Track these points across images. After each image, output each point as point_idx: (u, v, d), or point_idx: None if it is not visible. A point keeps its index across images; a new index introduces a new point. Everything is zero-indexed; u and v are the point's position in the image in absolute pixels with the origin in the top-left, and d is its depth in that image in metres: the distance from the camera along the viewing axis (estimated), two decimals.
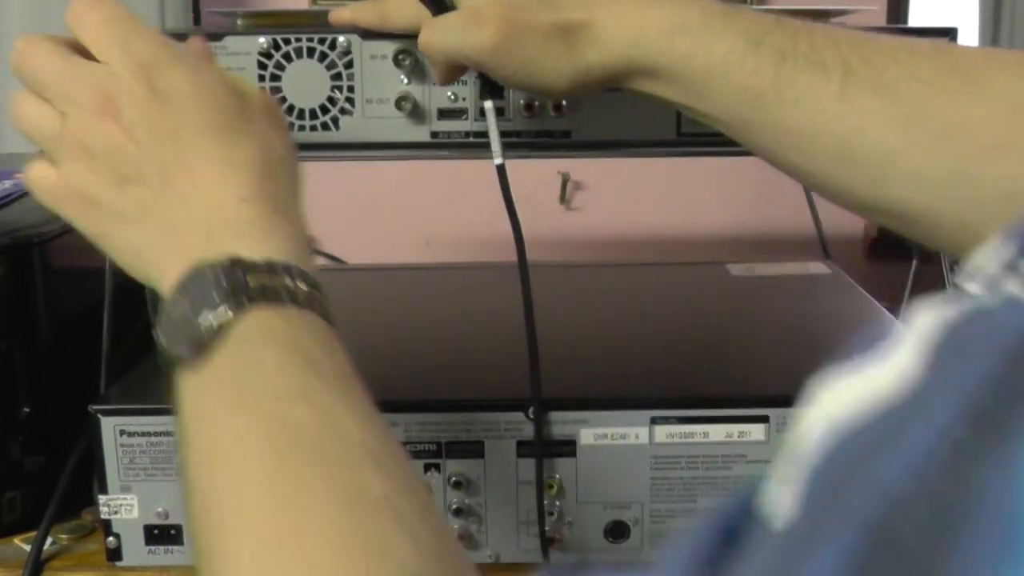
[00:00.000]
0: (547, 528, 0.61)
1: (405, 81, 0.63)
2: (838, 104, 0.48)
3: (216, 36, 0.62)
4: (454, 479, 0.60)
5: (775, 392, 0.60)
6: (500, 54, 0.52)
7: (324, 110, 0.63)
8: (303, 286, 0.42)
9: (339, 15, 0.60)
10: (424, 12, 0.54)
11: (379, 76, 0.63)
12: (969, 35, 1.36)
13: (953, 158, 0.47)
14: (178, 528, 0.61)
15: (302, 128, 0.64)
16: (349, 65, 0.63)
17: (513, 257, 0.59)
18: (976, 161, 0.46)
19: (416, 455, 0.60)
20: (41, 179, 0.46)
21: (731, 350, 0.74)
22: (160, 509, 0.60)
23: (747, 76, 0.49)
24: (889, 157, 0.48)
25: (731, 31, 0.50)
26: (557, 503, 0.60)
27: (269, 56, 0.63)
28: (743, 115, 0.51)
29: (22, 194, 0.75)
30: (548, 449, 0.60)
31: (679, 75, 0.51)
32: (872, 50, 0.49)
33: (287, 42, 0.62)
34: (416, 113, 0.63)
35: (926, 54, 0.49)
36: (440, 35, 0.54)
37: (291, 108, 0.63)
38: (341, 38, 0.62)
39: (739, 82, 0.50)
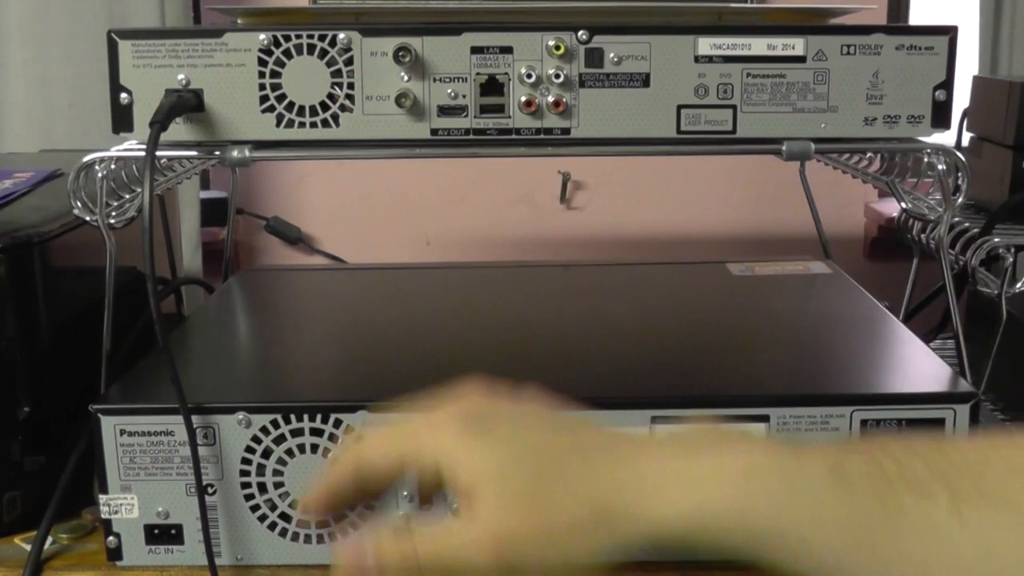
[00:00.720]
0: None
1: (405, 78, 0.63)
2: (959, 527, 0.41)
3: (216, 33, 0.62)
4: None
5: (775, 392, 0.60)
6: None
7: (324, 107, 0.63)
8: None
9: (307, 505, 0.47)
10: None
11: (379, 73, 0.63)
12: (969, 35, 1.36)
13: None
14: (178, 528, 0.61)
15: (302, 125, 0.64)
16: (349, 62, 0.63)
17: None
18: None
19: None
20: None
21: (731, 350, 0.73)
22: (160, 509, 0.60)
23: (847, 516, 0.42)
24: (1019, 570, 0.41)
25: (807, 464, 0.42)
26: None
27: (269, 53, 0.63)
28: (855, 559, 0.42)
29: (22, 194, 0.75)
30: None
31: (757, 531, 0.42)
32: (958, 454, 0.43)
33: (287, 39, 0.62)
34: (416, 110, 0.63)
35: (1011, 443, 0.43)
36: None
37: (291, 105, 0.63)
38: (341, 35, 0.62)
39: (842, 525, 0.42)
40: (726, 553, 0.43)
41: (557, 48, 0.62)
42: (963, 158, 0.65)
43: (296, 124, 0.64)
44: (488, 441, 0.43)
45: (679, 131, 0.64)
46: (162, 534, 0.61)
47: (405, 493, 0.60)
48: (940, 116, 0.65)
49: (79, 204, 0.64)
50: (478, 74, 0.63)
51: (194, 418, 0.58)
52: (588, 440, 0.44)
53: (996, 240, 0.85)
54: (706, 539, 0.43)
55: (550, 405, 0.47)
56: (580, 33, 0.63)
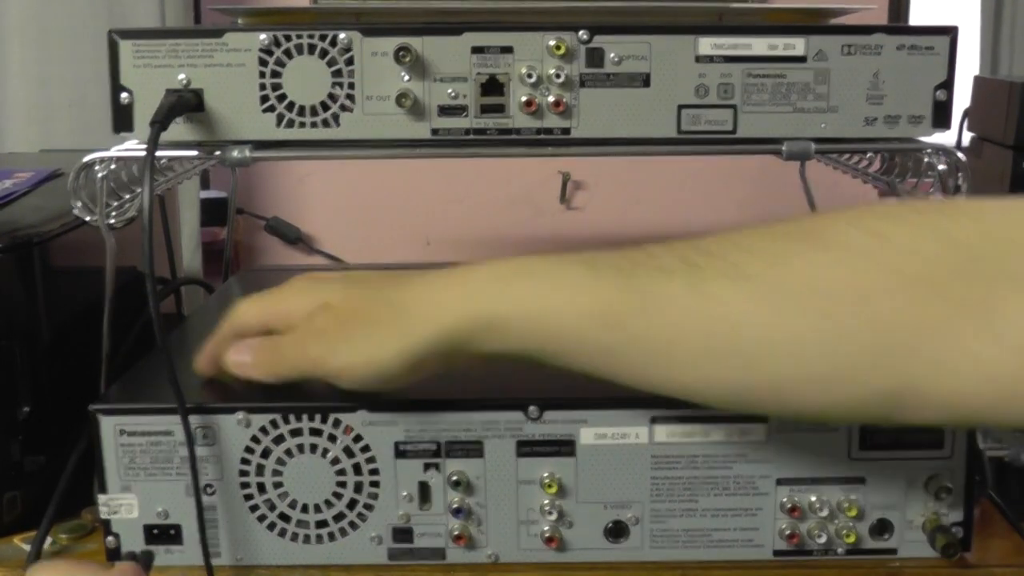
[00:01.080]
0: (547, 528, 0.61)
1: (405, 78, 0.63)
2: (693, 300, 0.47)
3: (217, 33, 0.62)
4: (454, 479, 0.59)
5: None
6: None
7: (324, 107, 0.63)
8: None
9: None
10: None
11: (379, 73, 0.63)
12: (969, 35, 1.36)
13: (818, 315, 0.46)
14: (177, 528, 0.61)
15: (302, 125, 0.64)
16: (349, 62, 0.63)
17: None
18: (841, 313, 0.46)
19: (415, 455, 0.59)
20: None
21: None
22: (160, 509, 0.60)
23: (594, 299, 0.49)
24: (757, 334, 0.47)
25: (565, 262, 0.50)
26: (557, 503, 0.60)
27: (270, 53, 0.63)
28: (600, 339, 0.49)
29: (22, 193, 0.75)
30: (547, 448, 0.60)
31: (522, 318, 0.50)
32: (709, 242, 0.49)
33: (287, 39, 0.62)
34: (416, 110, 0.63)
35: (763, 231, 0.49)
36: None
37: (291, 105, 0.63)
38: (342, 34, 0.62)
39: (588, 308, 0.49)
40: (502, 345, 0.51)
41: (557, 48, 0.62)
42: (963, 158, 0.64)
43: (296, 124, 0.64)
44: (317, 284, 0.58)
45: (679, 131, 0.64)
46: (161, 534, 0.61)
47: (405, 493, 0.60)
48: (940, 116, 0.65)
49: (79, 204, 0.64)
50: (478, 74, 0.63)
51: (193, 418, 0.58)
52: (393, 280, 0.56)
53: None
54: (484, 333, 0.51)
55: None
56: (580, 33, 0.63)
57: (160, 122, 0.59)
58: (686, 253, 0.49)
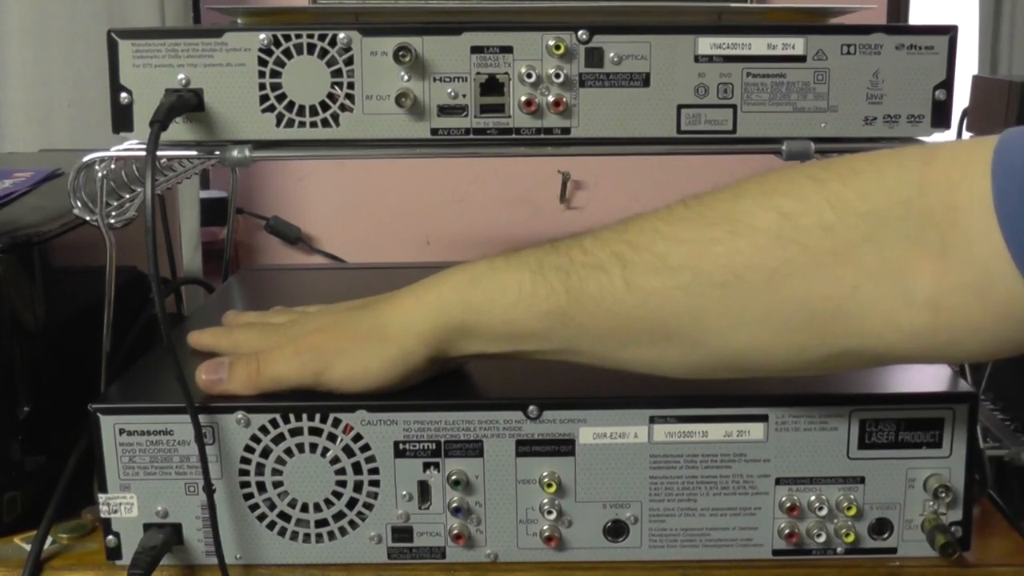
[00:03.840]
0: (546, 527, 0.61)
1: (405, 78, 0.63)
2: (628, 294, 0.52)
3: (216, 33, 0.62)
4: (453, 478, 0.60)
5: (774, 391, 0.60)
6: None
7: (324, 107, 0.63)
8: None
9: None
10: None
11: (379, 73, 0.63)
12: (969, 35, 1.36)
13: (742, 297, 0.50)
14: (177, 527, 0.61)
15: (302, 125, 0.64)
16: (349, 62, 0.63)
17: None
18: (763, 293, 0.50)
19: (415, 454, 0.60)
20: None
21: None
22: (160, 508, 0.60)
23: (544, 300, 0.54)
24: (695, 322, 0.52)
25: (514, 268, 0.55)
26: (556, 502, 0.60)
27: (269, 53, 0.63)
28: (557, 334, 0.55)
29: (22, 193, 0.75)
30: (546, 448, 0.60)
31: (487, 324, 0.56)
32: (636, 233, 0.53)
33: (287, 39, 0.62)
34: (416, 110, 0.63)
35: (683, 216, 0.53)
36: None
37: (291, 105, 0.63)
38: (341, 34, 0.62)
39: (541, 309, 0.54)
40: (478, 348, 0.58)
41: (557, 48, 0.63)
42: None
43: (296, 124, 0.64)
44: (301, 319, 0.65)
45: (679, 131, 0.64)
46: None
47: (404, 492, 0.60)
48: (940, 116, 0.65)
49: (79, 204, 0.64)
50: (478, 74, 0.63)
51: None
52: (368, 303, 0.62)
53: None
54: (447, 340, 0.58)
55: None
56: (580, 33, 0.63)
57: (160, 122, 0.59)
58: (616, 247, 0.53)
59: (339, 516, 0.60)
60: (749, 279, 0.50)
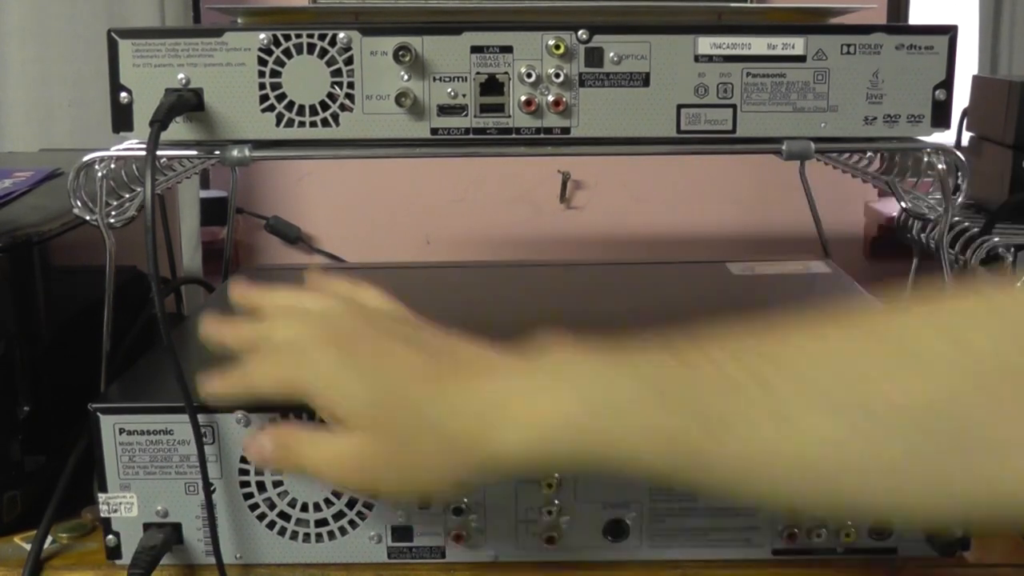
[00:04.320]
0: (546, 527, 0.61)
1: (405, 78, 0.63)
2: (777, 430, 0.44)
3: (216, 32, 0.62)
4: None
5: None
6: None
7: (324, 106, 0.63)
8: None
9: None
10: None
11: (379, 72, 0.63)
12: (969, 35, 1.36)
13: (912, 435, 0.43)
14: (177, 526, 0.61)
15: (302, 124, 0.64)
16: (349, 61, 0.63)
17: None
18: (931, 426, 0.43)
19: None
20: None
21: None
22: (159, 507, 0.60)
23: (670, 439, 0.45)
24: (850, 464, 0.44)
25: (632, 387, 0.47)
26: (556, 502, 0.60)
27: (269, 52, 0.63)
28: (680, 472, 0.46)
29: (22, 193, 0.75)
30: None
31: (598, 461, 0.47)
32: (774, 346, 0.46)
33: (287, 38, 0.62)
34: (416, 110, 0.63)
35: (840, 338, 0.46)
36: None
37: (291, 104, 0.63)
38: (341, 34, 0.62)
39: (665, 448, 0.46)
40: (568, 471, 0.54)
41: (557, 47, 0.62)
42: (963, 158, 0.65)
43: (296, 123, 0.64)
44: (355, 376, 0.49)
45: (679, 131, 0.64)
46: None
47: None
48: (940, 116, 0.65)
49: (79, 203, 0.64)
50: (478, 73, 0.63)
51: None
52: (443, 366, 0.50)
53: (996, 240, 0.85)
54: (547, 464, 0.52)
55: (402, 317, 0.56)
56: (580, 32, 0.63)
57: (160, 121, 0.59)
58: (754, 364, 0.45)
59: (339, 516, 0.60)
60: (922, 412, 0.43)
